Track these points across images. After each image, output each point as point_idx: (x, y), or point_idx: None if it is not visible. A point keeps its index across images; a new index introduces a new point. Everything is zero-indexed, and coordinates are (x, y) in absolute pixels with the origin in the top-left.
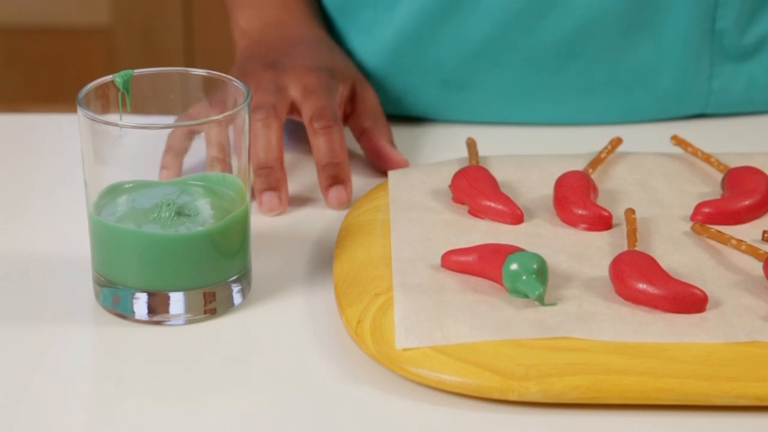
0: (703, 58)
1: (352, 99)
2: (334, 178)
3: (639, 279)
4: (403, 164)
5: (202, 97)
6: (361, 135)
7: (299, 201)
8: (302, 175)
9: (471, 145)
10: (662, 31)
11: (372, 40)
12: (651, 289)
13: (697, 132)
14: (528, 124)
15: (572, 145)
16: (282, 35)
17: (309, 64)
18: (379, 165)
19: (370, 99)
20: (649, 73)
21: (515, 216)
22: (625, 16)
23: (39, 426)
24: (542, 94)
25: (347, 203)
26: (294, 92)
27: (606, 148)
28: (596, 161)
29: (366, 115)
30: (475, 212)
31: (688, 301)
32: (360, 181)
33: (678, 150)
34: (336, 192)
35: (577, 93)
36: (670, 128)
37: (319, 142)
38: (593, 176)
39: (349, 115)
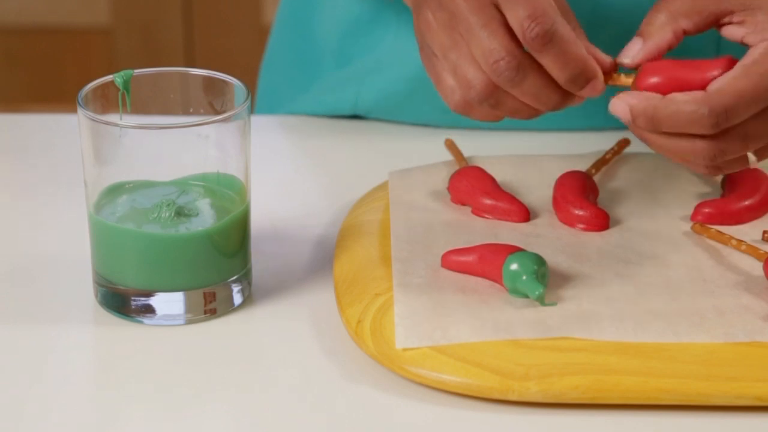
0: None
1: None
2: (579, 85)
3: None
4: (604, 62)
5: (202, 97)
6: None
7: (299, 201)
8: (302, 174)
9: (451, 146)
10: None
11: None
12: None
13: None
14: (528, 129)
15: (574, 147)
16: None
17: None
18: None
19: None
20: None
21: (522, 213)
22: (627, 20)
23: (39, 426)
24: None
25: (600, 92)
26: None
27: (612, 149)
28: (601, 162)
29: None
30: (479, 212)
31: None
32: (360, 180)
33: None
34: (586, 92)
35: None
36: None
37: (546, 62)
38: (596, 177)
39: None
